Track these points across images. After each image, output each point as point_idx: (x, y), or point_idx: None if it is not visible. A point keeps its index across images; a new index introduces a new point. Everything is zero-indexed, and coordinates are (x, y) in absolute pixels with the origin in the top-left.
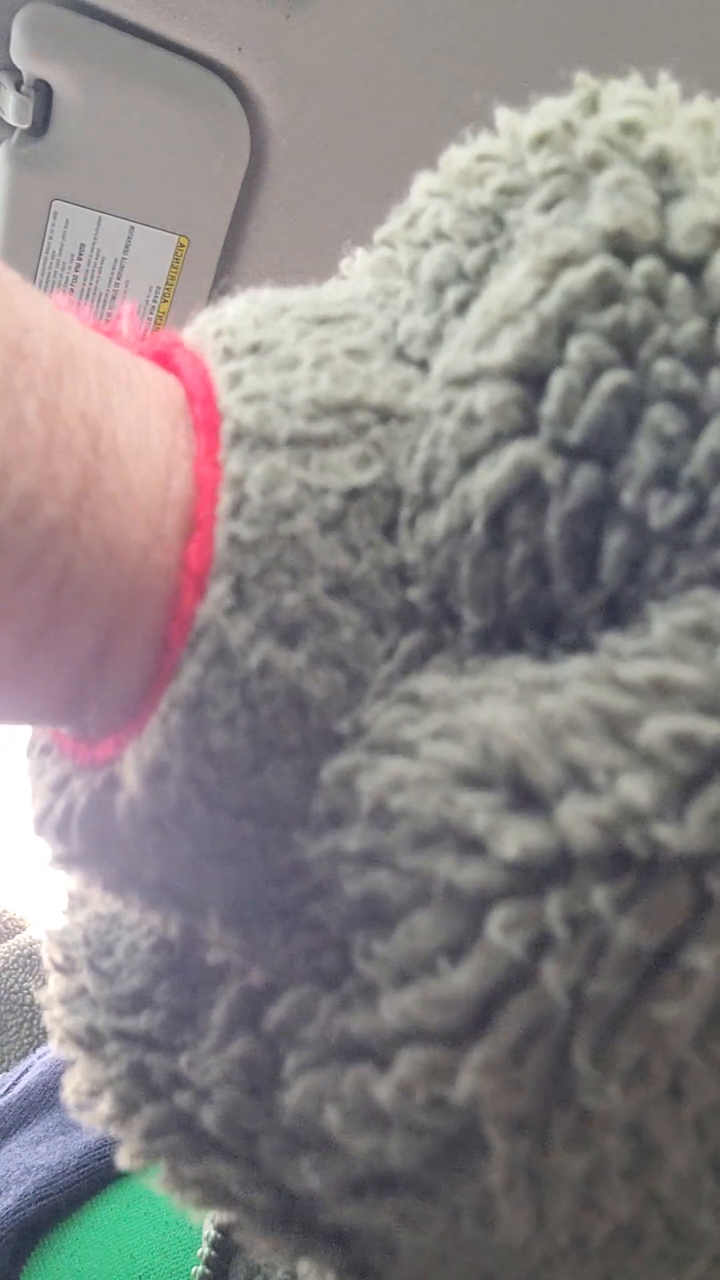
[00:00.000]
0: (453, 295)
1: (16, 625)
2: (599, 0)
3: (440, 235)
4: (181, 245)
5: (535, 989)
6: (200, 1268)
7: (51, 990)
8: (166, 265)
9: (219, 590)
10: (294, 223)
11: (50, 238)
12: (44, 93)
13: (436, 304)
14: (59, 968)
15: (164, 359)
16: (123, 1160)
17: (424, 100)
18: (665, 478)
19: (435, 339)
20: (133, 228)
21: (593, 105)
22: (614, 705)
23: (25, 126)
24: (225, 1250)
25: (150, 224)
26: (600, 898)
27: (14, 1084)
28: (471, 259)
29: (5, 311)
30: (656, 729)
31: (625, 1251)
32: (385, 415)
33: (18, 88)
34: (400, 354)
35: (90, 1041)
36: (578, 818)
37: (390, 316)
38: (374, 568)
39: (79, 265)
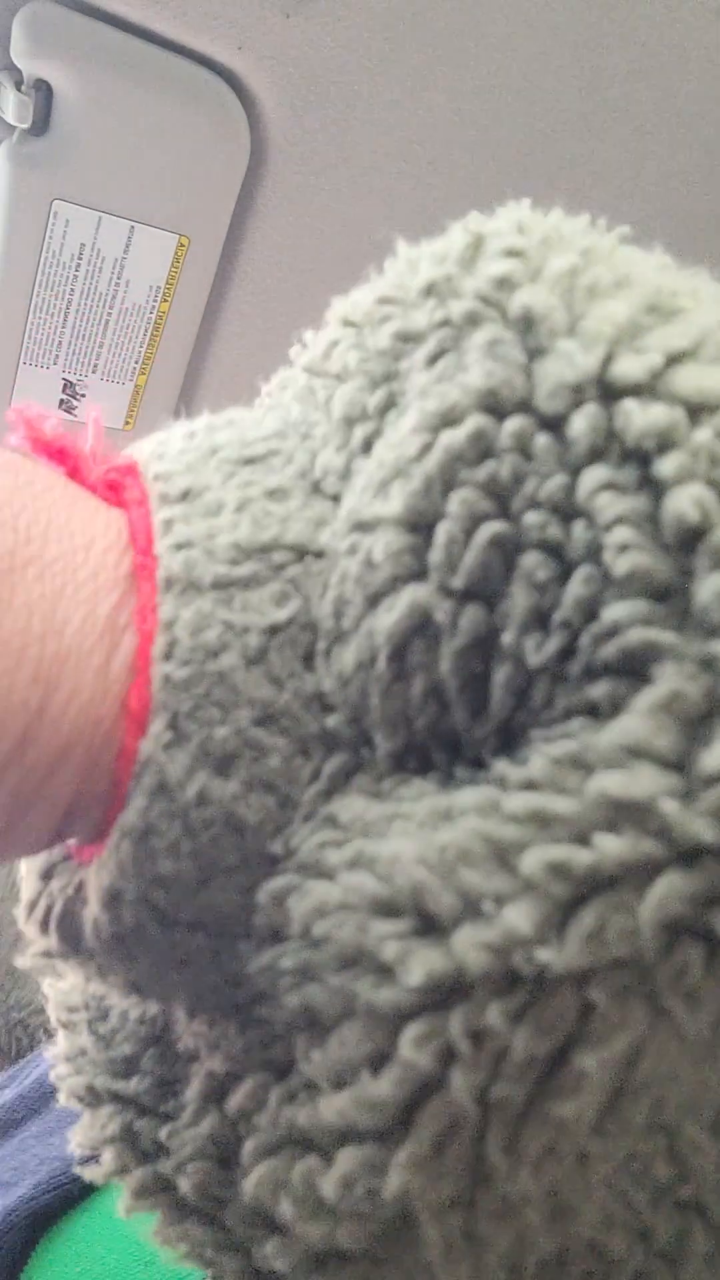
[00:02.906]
0: (359, 433)
1: None
2: (596, 0)
3: (348, 372)
4: (182, 245)
5: (447, 1094)
6: None
7: (58, 1048)
8: (167, 265)
9: (157, 727)
10: (294, 221)
11: (50, 237)
12: (44, 92)
13: (346, 440)
14: (63, 1025)
15: (117, 488)
16: (121, 1210)
17: (423, 99)
18: (539, 619)
19: (346, 474)
20: (133, 227)
21: (476, 250)
22: (500, 835)
23: (25, 126)
24: None
25: (150, 223)
26: (495, 1013)
27: (26, 1075)
28: (374, 400)
29: None
30: (535, 858)
31: (555, 1275)
32: (301, 553)
33: (18, 87)
34: (317, 488)
35: (90, 1099)
36: (471, 944)
37: (309, 450)
38: (296, 697)
39: (79, 265)
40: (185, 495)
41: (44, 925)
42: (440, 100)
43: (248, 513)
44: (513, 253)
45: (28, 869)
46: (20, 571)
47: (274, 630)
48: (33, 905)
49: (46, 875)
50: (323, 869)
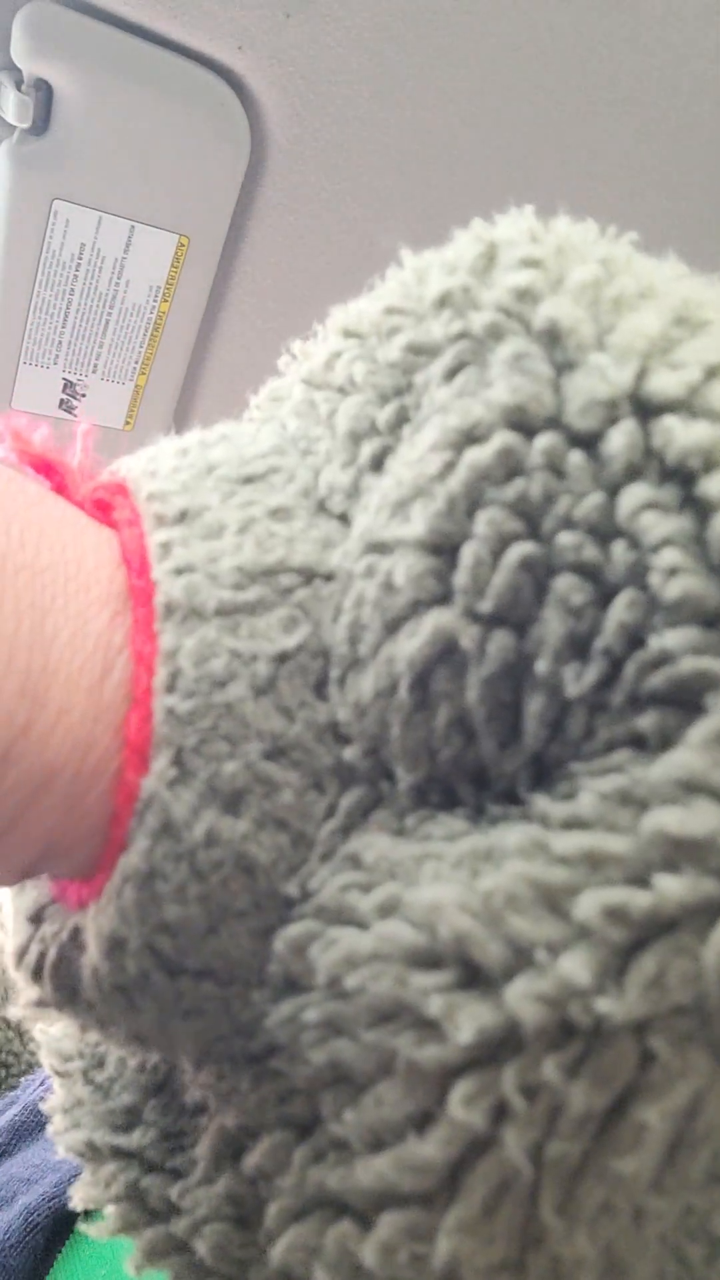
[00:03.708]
0: (367, 449)
1: None
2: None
3: (354, 385)
4: (182, 245)
5: (499, 1153)
6: None
7: (54, 1100)
8: (167, 264)
9: (160, 764)
10: (294, 221)
11: (51, 237)
12: (44, 92)
13: (353, 457)
14: (58, 1074)
15: (105, 508)
16: (131, 1269)
17: (423, 98)
18: (576, 647)
19: (353, 492)
20: (133, 227)
21: (490, 259)
22: (549, 879)
23: (26, 126)
24: None
25: (151, 223)
26: (551, 1067)
27: (45, 1079)
28: (384, 415)
29: None
30: (591, 903)
31: None
32: (309, 575)
33: (18, 87)
34: (322, 507)
35: (91, 1155)
36: (525, 997)
37: (312, 466)
38: (308, 728)
39: (79, 265)
40: (183, 516)
41: (36, 973)
42: (441, 100)
43: (250, 534)
44: (531, 262)
45: (15, 911)
46: (11, 576)
47: (283, 658)
48: (23, 952)
49: (36, 919)
50: (348, 915)
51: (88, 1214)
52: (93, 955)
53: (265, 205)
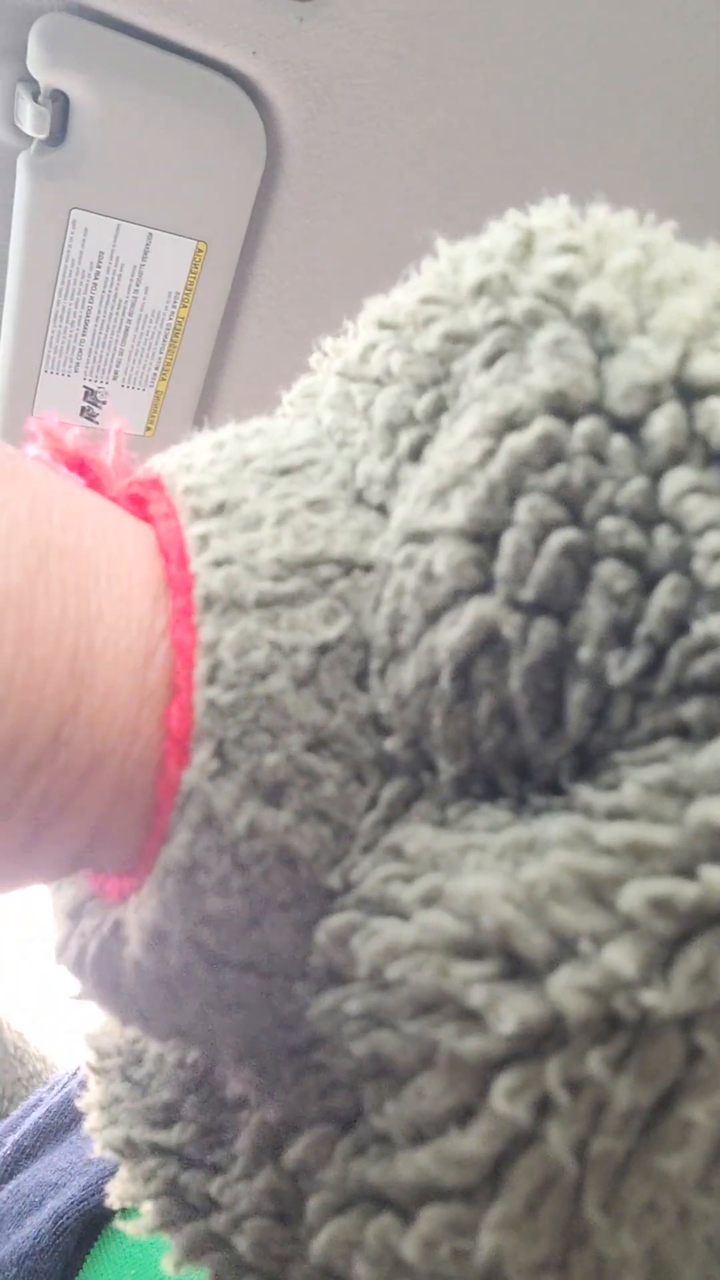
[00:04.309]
0: (405, 440)
1: (2, 847)
2: (606, 1)
3: (391, 376)
4: (200, 250)
5: (542, 1148)
6: None
7: (90, 1096)
8: (185, 271)
9: (202, 756)
10: (311, 225)
11: (69, 246)
12: (61, 103)
13: (391, 448)
14: (95, 1071)
15: (140, 502)
16: (168, 1267)
17: (438, 100)
18: (620, 634)
19: (392, 483)
20: (151, 234)
21: (527, 247)
22: (594, 869)
23: (43, 137)
24: None
25: (168, 230)
26: (595, 1061)
27: (67, 1081)
28: (421, 405)
29: None
30: (636, 894)
31: None
32: (348, 566)
33: (35, 98)
34: (360, 498)
35: (129, 1152)
36: (569, 988)
37: (349, 457)
38: (349, 719)
39: (98, 273)
40: (220, 509)
41: (78, 967)
42: (455, 101)
43: (289, 526)
44: (569, 248)
45: (55, 908)
46: (56, 559)
47: (324, 649)
48: (63, 947)
49: (75, 915)
50: (391, 906)
51: (123, 1213)
52: (134, 948)
53: (282, 209)
